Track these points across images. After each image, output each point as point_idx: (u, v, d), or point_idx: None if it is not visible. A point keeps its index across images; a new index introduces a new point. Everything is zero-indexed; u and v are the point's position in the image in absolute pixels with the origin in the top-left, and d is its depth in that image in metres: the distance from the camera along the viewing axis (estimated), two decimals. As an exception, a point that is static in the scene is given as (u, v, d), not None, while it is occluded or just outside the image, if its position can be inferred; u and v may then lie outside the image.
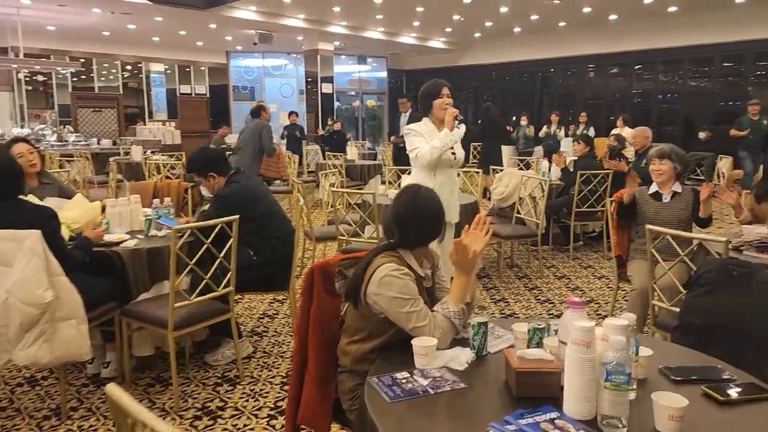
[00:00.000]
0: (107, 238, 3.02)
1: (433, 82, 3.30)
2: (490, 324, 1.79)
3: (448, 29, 12.84)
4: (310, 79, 13.37)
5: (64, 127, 11.95)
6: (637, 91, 12.68)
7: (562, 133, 10.65)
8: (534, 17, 11.36)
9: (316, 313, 1.85)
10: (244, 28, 11.98)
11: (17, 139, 3.61)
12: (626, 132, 8.89)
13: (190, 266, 2.67)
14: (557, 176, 6.02)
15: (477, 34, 13.59)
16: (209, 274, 2.74)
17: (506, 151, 11.59)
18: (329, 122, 12.03)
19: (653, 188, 3.38)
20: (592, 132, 10.05)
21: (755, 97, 9.84)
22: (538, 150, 10.55)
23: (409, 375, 1.49)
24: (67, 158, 8.52)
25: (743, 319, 1.78)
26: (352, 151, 8.94)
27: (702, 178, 8.24)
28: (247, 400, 2.76)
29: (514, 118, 11.86)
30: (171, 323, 2.62)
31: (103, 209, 3.25)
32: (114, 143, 11.17)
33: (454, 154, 3.28)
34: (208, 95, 15.80)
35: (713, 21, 10.61)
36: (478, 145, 9.39)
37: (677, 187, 3.34)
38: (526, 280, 4.80)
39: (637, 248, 3.36)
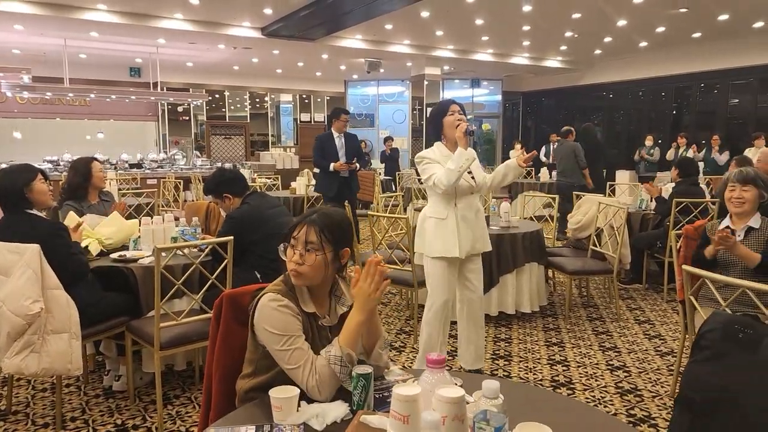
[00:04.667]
0: (129, 254, 3.14)
1: (441, 101, 2.99)
2: (400, 375, 1.50)
3: (563, 47, 12.07)
4: (417, 105, 13.38)
5: (193, 152, 13.28)
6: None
7: (690, 155, 9.42)
8: (660, 29, 10.28)
9: (220, 343, 1.68)
10: (354, 57, 12.34)
11: (95, 159, 3.93)
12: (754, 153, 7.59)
13: (177, 286, 2.65)
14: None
15: (597, 51, 12.63)
16: (199, 295, 2.71)
17: (624, 176, 10.57)
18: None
19: (725, 222, 2.75)
20: (725, 156, 8.73)
21: None
22: (662, 176, 9.43)
23: (253, 430, 1.26)
24: (180, 180, 9.35)
25: (744, 401, 1.27)
26: None
27: None
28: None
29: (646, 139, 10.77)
30: (157, 342, 2.61)
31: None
32: (233, 167, 12.10)
33: (473, 177, 2.94)
34: (326, 122, 16.66)
35: None
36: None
37: (755, 221, 2.68)
38: (598, 323, 4.17)
39: (705, 294, 2.73)
